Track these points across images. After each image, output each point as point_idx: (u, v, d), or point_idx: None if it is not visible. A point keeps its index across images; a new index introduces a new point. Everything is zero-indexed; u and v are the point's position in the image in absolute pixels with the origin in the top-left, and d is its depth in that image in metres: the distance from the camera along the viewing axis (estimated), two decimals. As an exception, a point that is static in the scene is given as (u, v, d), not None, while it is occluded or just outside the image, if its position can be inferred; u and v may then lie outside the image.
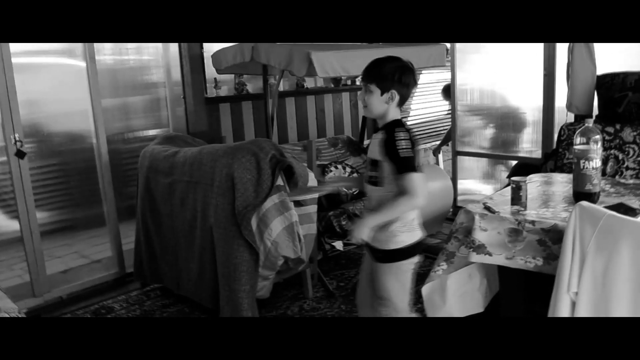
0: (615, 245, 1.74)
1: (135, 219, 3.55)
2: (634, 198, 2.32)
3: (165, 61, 4.12)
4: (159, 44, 4.07)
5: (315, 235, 3.14)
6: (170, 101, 4.17)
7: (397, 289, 2.08)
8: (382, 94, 1.99)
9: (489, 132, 4.66)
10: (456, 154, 4.60)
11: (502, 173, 4.64)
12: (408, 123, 5.75)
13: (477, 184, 4.79)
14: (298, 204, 2.96)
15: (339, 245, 3.99)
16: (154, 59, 4.11)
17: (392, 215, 1.98)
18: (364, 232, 1.97)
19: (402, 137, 1.95)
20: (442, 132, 5.99)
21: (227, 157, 2.87)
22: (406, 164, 1.94)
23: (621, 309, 1.74)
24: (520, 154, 4.52)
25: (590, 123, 2.28)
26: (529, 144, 4.80)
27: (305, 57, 3.21)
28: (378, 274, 2.10)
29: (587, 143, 2.25)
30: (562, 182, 2.72)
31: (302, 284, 3.35)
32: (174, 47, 4.09)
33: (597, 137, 2.25)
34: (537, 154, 4.43)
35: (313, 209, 3.05)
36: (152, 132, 4.10)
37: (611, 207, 2.03)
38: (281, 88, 4.52)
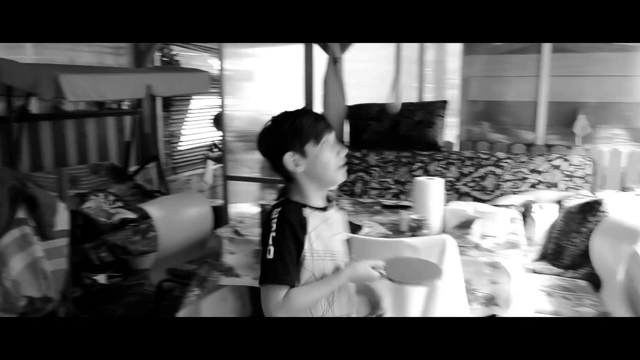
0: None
1: None
2: (367, 215, 2.60)
3: None
4: None
5: (66, 270, 2.91)
6: None
7: None
8: None
9: (259, 157, 4.84)
10: (227, 178, 4.68)
11: (272, 196, 4.86)
12: (179, 149, 5.79)
13: (249, 207, 4.93)
14: (44, 237, 2.72)
15: (101, 278, 3.76)
16: None
17: None
18: None
19: None
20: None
21: (-45, 189, 2.54)
22: None
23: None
24: (287, 178, 4.78)
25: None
26: (295, 168, 5.10)
27: (52, 80, 3.00)
28: None
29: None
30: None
31: (55, 324, 3.07)
32: None
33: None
34: (302, 177, 4.72)
35: (62, 242, 2.83)
36: None
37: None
38: (34, 110, 4.14)
